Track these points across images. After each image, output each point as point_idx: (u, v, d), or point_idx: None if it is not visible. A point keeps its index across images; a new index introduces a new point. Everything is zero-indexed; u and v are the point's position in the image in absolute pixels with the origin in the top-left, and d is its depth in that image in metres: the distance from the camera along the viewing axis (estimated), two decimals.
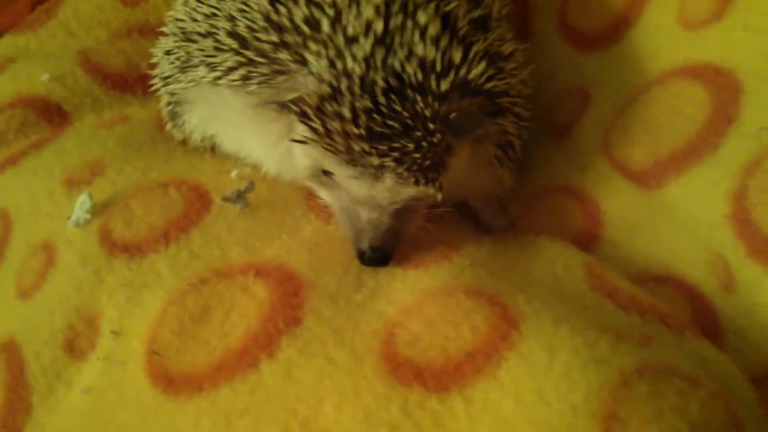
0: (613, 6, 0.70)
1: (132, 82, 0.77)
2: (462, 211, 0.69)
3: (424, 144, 0.49)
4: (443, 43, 0.51)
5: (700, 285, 0.55)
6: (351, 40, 0.50)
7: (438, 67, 0.50)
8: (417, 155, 0.49)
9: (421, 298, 0.49)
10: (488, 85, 0.53)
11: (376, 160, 0.49)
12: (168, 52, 0.64)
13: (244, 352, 0.48)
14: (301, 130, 0.52)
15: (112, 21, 0.85)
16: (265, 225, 0.58)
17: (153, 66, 0.69)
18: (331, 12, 0.51)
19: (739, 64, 0.57)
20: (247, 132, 0.61)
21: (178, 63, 0.62)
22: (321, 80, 0.50)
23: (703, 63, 0.60)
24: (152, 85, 0.69)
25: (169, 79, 0.64)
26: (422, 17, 0.51)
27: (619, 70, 0.67)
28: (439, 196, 0.53)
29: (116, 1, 0.85)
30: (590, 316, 0.46)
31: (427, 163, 0.50)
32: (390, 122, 0.49)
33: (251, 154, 0.64)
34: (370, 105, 0.49)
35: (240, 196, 0.59)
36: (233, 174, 0.63)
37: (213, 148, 0.67)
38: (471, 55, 0.52)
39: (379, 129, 0.49)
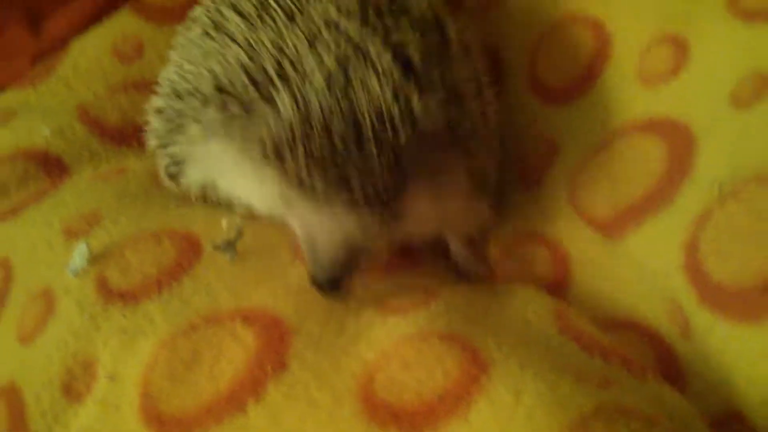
0: (577, 61, 0.74)
1: (128, 135, 0.81)
2: (444, 259, 0.73)
3: (375, 181, 0.52)
4: (402, 85, 0.54)
5: (661, 331, 0.58)
6: (312, 84, 0.54)
7: (395, 109, 0.53)
8: (366, 192, 0.53)
9: (399, 343, 0.52)
10: (450, 125, 0.56)
11: (326, 194, 0.53)
12: (159, 111, 0.69)
13: (233, 396, 0.51)
14: (265, 163, 0.55)
15: (110, 76, 0.89)
16: (253, 271, 0.61)
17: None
18: (294, 58, 0.56)
19: (694, 118, 0.61)
20: (237, 179, 0.64)
21: (171, 125, 0.66)
22: (284, 119, 0.53)
23: (661, 117, 0.64)
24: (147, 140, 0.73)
25: (165, 142, 0.69)
26: (380, 61, 0.54)
27: (585, 123, 0.71)
28: (387, 233, 0.56)
29: (113, 57, 0.89)
30: (555, 359, 0.50)
31: (376, 200, 0.53)
32: (343, 157, 0.52)
33: (241, 199, 0.67)
34: (326, 140, 0.52)
35: (229, 245, 0.62)
36: (223, 223, 0.66)
37: (206, 199, 0.71)
38: (431, 96, 0.55)
39: (331, 163, 0.52)
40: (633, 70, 0.68)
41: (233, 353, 0.53)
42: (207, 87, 0.61)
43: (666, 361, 0.57)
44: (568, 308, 0.60)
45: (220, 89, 0.59)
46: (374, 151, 0.52)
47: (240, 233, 0.63)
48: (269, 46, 0.57)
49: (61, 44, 0.92)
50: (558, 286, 0.66)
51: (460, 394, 0.47)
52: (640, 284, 0.61)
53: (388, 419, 0.47)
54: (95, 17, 0.93)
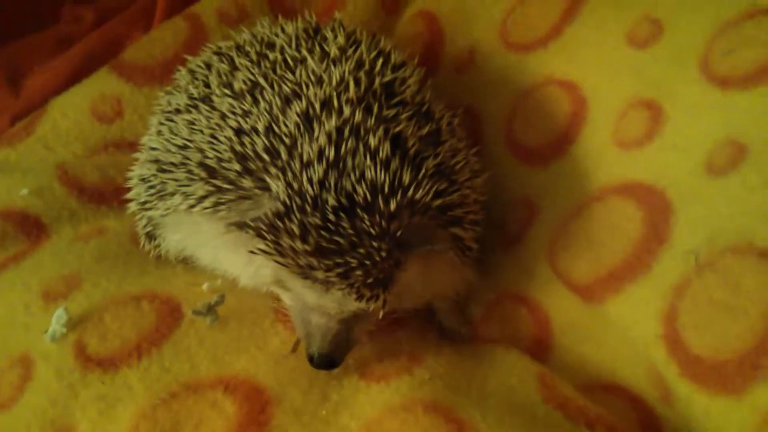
0: (554, 124, 0.75)
1: (108, 195, 0.81)
2: (427, 317, 0.73)
3: (368, 262, 0.53)
4: (393, 164, 0.55)
5: (643, 395, 0.59)
6: (306, 165, 0.54)
7: (386, 189, 0.54)
8: (360, 272, 0.53)
9: (383, 413, 0.52)
10: (438, 201, 0.57)
11: (321, 275, 0.53)
12: (143, 179, 0.68)
13: None
14: (258, 245, 0.55)
15: (89, 137, 0.89)
16: (234, 337, 0.61)
17: (128, 179, 0.73)
18: (287, 141, 0.56)
19: (669, 184, 0.62)
20: (221, 252, 0.64)
21: (153, 191, 0.66)
22: (277, 200, 0.54)
23: (636, 182, 0.64)
24: (127, 199, 0.73)
25: (146, 205, 0.68)
26: (372, 141, 0.55)
27: (562, 184, 0.72)
28: (380, 313, 0.57)
29: (92, 118, 0.90)
30: (540, 430, 0.50)
31: (371, 280, 0.53)
32: (336, 238, 0.52)
33: (225, 271, 0.67)
34: (319, 222, 0.52)
35: (210, 310, 0.62)
36: (204, 287, 0.66)
37: (187, 261, 0.70)
38: (421, 174, 0.56)
39: (326, 245, 0.52)
40: (609, 133, 0.69)
41: (214, 424, 0.53)
42: (193, 163, 0.61)
43: (649, 426, 0.57)
44: (551, 373, 0.59)
45: (209, 170, 0.59)
46: (367, 224, 0.53)
47: (221, 298, 0.62)
48: (262, 130, 0.57)
49: (40, 103, 0.93)
50: (540, 348, 0.66)
51: None
52: (621, 348, 0.61)
53: None
54: (75, 76, 0.95)
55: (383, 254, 0.53)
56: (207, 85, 0.66)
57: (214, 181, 0.58)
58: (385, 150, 0.55)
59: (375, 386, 0.55)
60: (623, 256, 0.62)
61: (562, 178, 0.72)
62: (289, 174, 0.54)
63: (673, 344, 0.55)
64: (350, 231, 0.53)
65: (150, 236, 0.71)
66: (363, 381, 0.56)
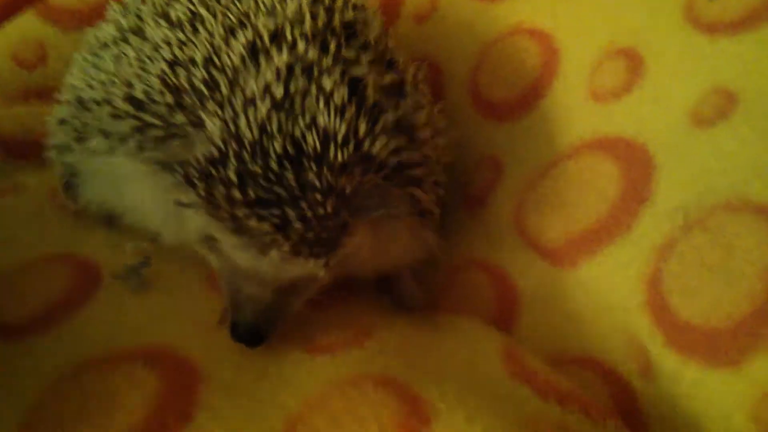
0: (523, 76, 0.69)
1: (27, 149, 0.72)
2: (381, 285, 0.67)
3: (310, 214, 0.46)
4: (349, 112, 0.48)
5: (618, 368, 0.53)
6: (248, 102, 0.47)
7: (339, 139, 0.47)
8: (300, 226, 0.46)
9: (327, 390, 0.45)
10: (396, 158, 0.51)
11: (255, 226, 0.46)
12: (62, 121, 0.60)
13: None
14: (187, 194, 0.48)
15: (8, 84, 0.81)
16: (160, 305, 0.54)
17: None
18: (229, 74, 0.49)
19: (650, 138, 0.56)
20: (145, 201, 0.57)
21: (73, 134, 0.58)
22: (211, 143, 0.47)
23: (614, 137, 0.59)
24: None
25: (63, 150, 0.60)
26: (327, 83, 0.48)
27: (531, 141, 0.66)
28: (325, 278, 0.51)
29: (12, 63, 0.81)
30: (506, 408, 0.43)
31: (311, 235, 0.47)
32: (277, 189, 0.46)
33: (149, 224, 0.60)
34: (259, 170, 0.46)
35: (133, 273, 0.54)
36: (128, 248, 0.59)
37: (110, 221, 0.62)
38: (379, 127, 0.50)
39: (265, 195, 0.46)
40: (583, 85, 0.63)
41: (130, 400, 0.45)
42: (119, 98, 0.52)
43: (624, 402, 0.52)
44: (517, 346, 0.53)
45: (136, 104, 0.51)
46: (314, 176, 0.46)
47: (146, 260, 0.55)
48: (200, 62, 0.50)
49: None
50: (505, 318, 0.60)
51: None
52: (594, 318, 0.55)
53: None
54: None
55: (329, 210, 0.47)
56: (139, 17, 0.57)
57: (140, 114, 0.51)
58: (340, 94, 0.48)
59: (319, 359, 0.48)
60: (598, 217, 0.56)
61: (531, 135, 0.66)
62: (229, 111, 0.47)
63: (658, 311, 0.50)
64: (293, 183, 0.46)
65: (68, 186, 0.62)
66: (306, 354, 0.49)
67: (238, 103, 0.47)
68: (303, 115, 0.47)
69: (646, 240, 0.52)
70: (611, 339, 0.54)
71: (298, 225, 0.46)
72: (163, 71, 0.51)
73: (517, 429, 0.40)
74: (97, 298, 0.53)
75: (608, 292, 0.54)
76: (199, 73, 0.49)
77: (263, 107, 0.47)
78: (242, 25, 0.51)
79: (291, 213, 0.46)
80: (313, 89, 0.48)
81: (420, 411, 0.42)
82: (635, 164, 0.56)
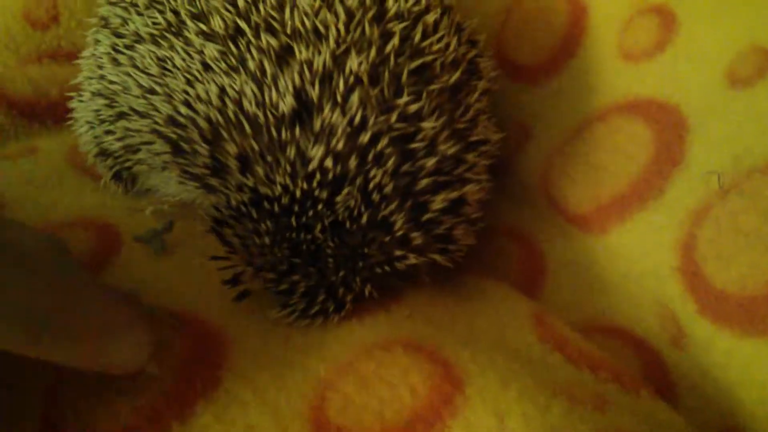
0: (550, 36, 0.67)
1: (41, 111, 0.71)
2: None
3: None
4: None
5: (649, 338, 0.52)
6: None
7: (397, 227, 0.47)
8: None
9: (355, 355, 0.44)
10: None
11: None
12: (99, 115, 0.58)
13: (154, 418, 0.42)
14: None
15: (21, 45, 0.78)
16: (182, 271, 0.52)
17: (65, 96, 0.63)
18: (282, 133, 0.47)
19: (684, 99, 0.54)
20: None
21: (117, 143, 0.57)
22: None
23: (645, 98, 0.57)
24: (66, 117, 0.64)
25: (107, 153, 0.60)
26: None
27: (560, 104, 0.64)
28: None
29: (25, 23, 0.79)
30: (540, 374, 0.43)
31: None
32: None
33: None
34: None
35: (156, 236, 0.53)
36: (148, 211, 0.57)
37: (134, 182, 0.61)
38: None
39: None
40: (613, 44, 0.61)
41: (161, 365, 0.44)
42: (161, 118, 0.51)
43: (654, 372, 0.51)
44: (546, 312, 0.52)
45: (178, 126, 0.50)
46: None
47: (170, 224, 0.54)
48: (250, 98, 0.47)
49: None
50: (531, 285, 0.59)
51: (430, 418, 0.39)
52: (624, 285, 0.54)
53: None
54: None
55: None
56: (175, 12, 0.53)
57: (181, 144, 0.50)
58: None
59: (346, 325, 0.47)
60: (629, 181, 0.55)
61: (559, 98, 0.64)
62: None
63: (691, 278, 0.48)
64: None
65: (117, 176, 0.62)
66: (332, 320, 0.48)
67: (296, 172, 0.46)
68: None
69: (679, 204, 0.51)
70: (641, 308, 0.52)
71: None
72: (209, 101, 0.48)
73: (552, 395, 0.39)
74: (118, 262, 0.52)
75: (639, 258, 0.53)
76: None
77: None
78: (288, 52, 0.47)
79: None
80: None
81: (452, 374, 0.41)
82: (668, 126, 0.54)
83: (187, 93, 0.49)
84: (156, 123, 0.51)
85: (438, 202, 0.48)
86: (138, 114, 0.53)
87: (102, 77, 0.57)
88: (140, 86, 0.53)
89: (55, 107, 0.68)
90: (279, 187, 0.46)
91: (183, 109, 0.49)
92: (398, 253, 0.48)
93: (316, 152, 0.45)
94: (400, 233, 0.47)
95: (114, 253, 0.53)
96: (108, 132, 0.57)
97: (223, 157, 0.48)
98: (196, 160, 0.49)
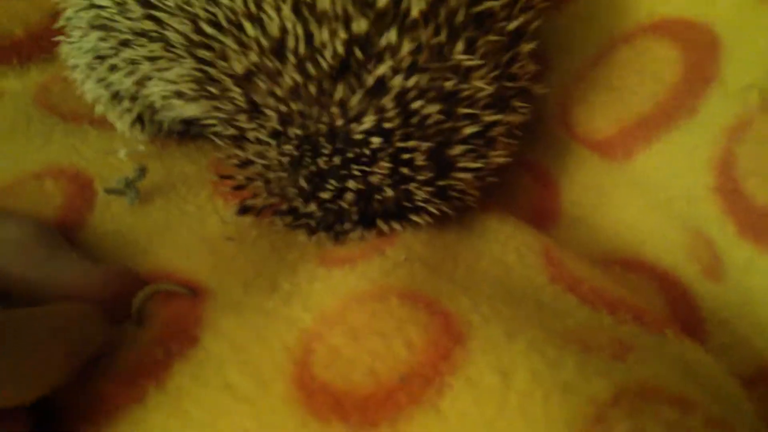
0: None
1: (5, 53, 0.65)
2: None
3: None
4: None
5: (676, 270, 0.47)
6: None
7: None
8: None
9: (345, 304, 0.40)
10: None
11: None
12: (98, 52, 0.52)
13: (129, 382, 0.38)
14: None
15: None
16: (160, 220, 0.48)
17: (30, 32, 0.58)
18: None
19: (714, 17, 0.49)
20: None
21: (121, 74, 0.51)
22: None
23: (672, 18, 0.51)
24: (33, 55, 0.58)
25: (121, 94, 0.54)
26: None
27: (580, 29, 0.58)
28: None
29: None
30: (550, 320, 0.38)
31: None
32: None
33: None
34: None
35: (129, 186, 0.49)
36: (121, 154, 0.53)
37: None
38: None
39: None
40: None
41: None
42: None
43: (681, 308, 0.46)
44: (557, 246, 0.47)
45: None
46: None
47: (142, 171, 0.49)
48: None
49: None
50: (543, 219, 0.54)
51: (428, 374, 0.34)
52: (650, 214, 0.49)
53: (330, 409, 0.35)
54: None
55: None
56: None
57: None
58: None
59: (337, 271, 0.43)
60: (656, 101, 0.49)
61: (579, 22, 0.57)
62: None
63: (729, 197, 0.43)
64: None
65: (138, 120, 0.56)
66: (322, 267, 0.44)
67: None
68: None
69: (714, 122, 0.45)
70: (668, 237, 0.48)
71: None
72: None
73: (565, 343, 0.35)
74: (94, 218, 0.48)
75: (669, 182, 0.47)
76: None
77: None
78: None
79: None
80: None
81: (452, 326, 0.36)
82: (698, 45, 0.49)
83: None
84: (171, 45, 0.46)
85: (464, 166, 0.45)
86: (145, 36, 0.48)
87: (92, 5, 0.51)
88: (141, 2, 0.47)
89: (20, 46, 0.63)
90: (320, 126, 0.42)
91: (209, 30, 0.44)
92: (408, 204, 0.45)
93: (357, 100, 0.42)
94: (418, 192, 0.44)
95: (87, 209, 0.48)
96: (113, 68, 0.52)
97: (259, 97, 0.44)
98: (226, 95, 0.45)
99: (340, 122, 0.42)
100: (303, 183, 0.44)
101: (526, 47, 0.46)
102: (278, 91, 0.42)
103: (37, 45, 0.64)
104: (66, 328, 0.36)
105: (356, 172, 0.43)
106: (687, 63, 0.49)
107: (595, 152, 0.53)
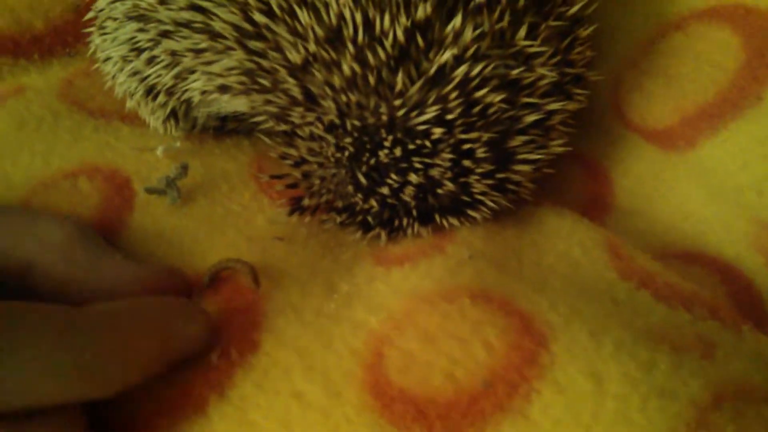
0: None
1: (25, 46, 0.62)
2: None
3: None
4: None
5: (740, 263, 0.46)
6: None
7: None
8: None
9: (413, 305, 0.38)
10: None
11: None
12: (135, 44, 0.49)
13: (189, 392, 0.36)
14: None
15: None
16: (205, 219, 0.46)
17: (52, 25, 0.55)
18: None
19: None
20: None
21: (160, 67, 0.49)
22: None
23: (731, 4, 0.50)
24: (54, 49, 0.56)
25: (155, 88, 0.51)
26: None
27: (631, 15, 0.56)
28: None
29: None
30: (630, 319, 0.36)
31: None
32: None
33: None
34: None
35: (170, 185, 0.47)
36: (159, 151, 0.51)
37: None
38: None
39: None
40: None
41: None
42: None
43: (745, 301, 0.45)
44: (620, 240, 0.46)
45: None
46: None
47: (183, 169, 0.47)
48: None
49: None
50: (595, 212, 0.53)
51: (513, 378, 0.33)
52: (712, 205, 0.48)
53: (410, 418, 0.33)
54: None
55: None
56: None
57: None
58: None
59: (397, 270, 0.41)
60: (718, 89, 0.48)
61: (631, 8, 0.56)
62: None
63: None
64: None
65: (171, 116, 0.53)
66: (379, 267, 0.42)
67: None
68: None
69: None
70: (732, 229, 0.47)
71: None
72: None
73: (654, 346, 0.33)
74: (134, 219, 0.46)
75: (736, 172, 0.46)
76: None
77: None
78: None
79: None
80: None
81: (532, 328, 0.35)
82: (759, 30, 0.48)
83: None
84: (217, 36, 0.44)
85: (524, 158, 0.44)
86: (188, 27, 0.45)
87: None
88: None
89: (41, 40, 0.60)
90: (380, 117, 0.41)
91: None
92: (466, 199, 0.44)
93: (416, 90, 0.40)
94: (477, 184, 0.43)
95: (127, 209, 0.46)
96: (151, 61, 0.49)
97: (316, 88, 0.42)
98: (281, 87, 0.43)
99: (400, 113, 0.40)
100: (362, 179, 0.42)
101: (585, 32, 0.45)
102: (336, 81, 0.41)
103: (60, 39, 0.62)
104: (162, 320, 0.36)
105: (418, 165, 0.41)
106: (749, 49, 0.47)
107: (653, 142, 0.52)
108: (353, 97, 0.41)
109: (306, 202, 0.45)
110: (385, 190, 0.42)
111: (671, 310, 0.38)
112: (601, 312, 0.37)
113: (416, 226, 0.44)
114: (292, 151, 0.44)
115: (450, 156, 0.41)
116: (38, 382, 0.30)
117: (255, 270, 0.41)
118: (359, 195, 0.43)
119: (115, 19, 0.49)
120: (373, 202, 0.43)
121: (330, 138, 0.42)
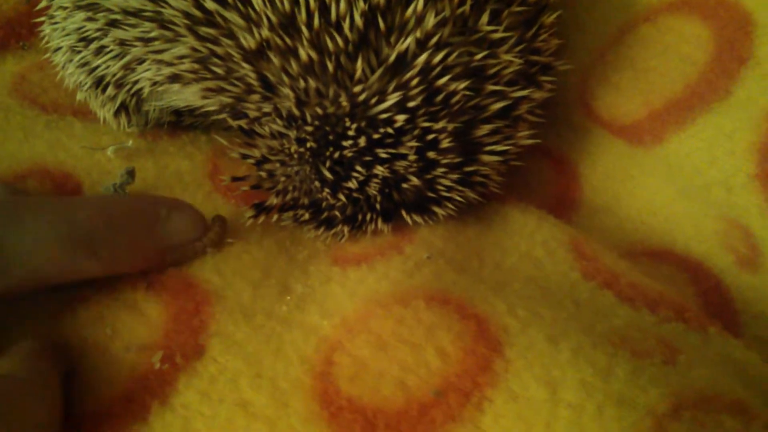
0: None
1: None
2: None
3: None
4: None
5: (708, 261, 0.45)
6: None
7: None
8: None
9: (367, 309, 0.36)
10: None
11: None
12: (83, 33, 0.47)
13: (130, 398, 0.35)
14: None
15: None
16: None
17: (5, 18, 0.55)
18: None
19: None
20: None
21: (108, 57, 0.47)
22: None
23: None
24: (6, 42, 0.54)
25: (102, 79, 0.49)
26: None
27: (599, 7, 0.55)
28: None
29: None
30: (591, 322, 0.35)
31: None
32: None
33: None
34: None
35: (117, 191, 0.45)
36: (109, 150, 0.49)
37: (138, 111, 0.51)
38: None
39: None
40: None
41: (134, 332, 0.37)
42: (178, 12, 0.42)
43: (713, 300, 0.44)
44: (584, 237, 0.44)
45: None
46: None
47: (130, 174, 0.45)
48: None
49: None
50: (562, 209, 0.52)
51: (465, 387, 0.31)
52: (680, 201, 0.47)
53: (359, 427, 0.32)
54: None
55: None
56: None
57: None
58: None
59: (352, 271, 0.40)
60: (687, 83, 0.47)
61: (597, 1, 0.54)
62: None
63: None
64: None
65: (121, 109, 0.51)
66: (335, 266, 0.41)
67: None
68: None
69: (753, 105, 0.43)
70: (701, 226, 0.45)
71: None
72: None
73: (613, 351, 0.32)
74: None
75: (705, 168, 0.45)
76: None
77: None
78: None
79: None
80: None
81: (487, 333, 0.33)
82: (729, 23, 0.46)
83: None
84: (168, 24, 0.42)
85: (491, 149, 0.43)
86: (137, 16, 0.44)
87: None
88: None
89: None
90: (341, 105, 0.40)
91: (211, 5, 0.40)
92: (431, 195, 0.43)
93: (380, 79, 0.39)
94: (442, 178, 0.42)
95: None
96: (100, 51, 0.47)
97: (272, 75, 0.41)
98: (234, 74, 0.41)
99: (360, 99, 0.39)
100: (327, 173, 0.41)
101: (549, 19, 0.44)
102: (293, 68, 0.39)
103: (13, 31, 0.60)
104: (149, 209, 0.39)
105: (383, 155, 0.40)
106: (719, 42, 0.46)
107: (621, 137, 0.50)
108: (312, 83, 0.39)
109: (271, 201, 0.43)
110: (352, 184, 0.41)
111: (635, 312, 0.37)
112: (561, 315, 0.35)
113: (379, 222, 0.43)
114: (253, 152, 0.42)
115: (415, 144, 0.40)
116: (38, 248, 0.34)
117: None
118: (326, 190, 0.41)
119: (65, 8, 0.48)
120: (341, 197, 0.42)
121: (290, 133, 0.41)
